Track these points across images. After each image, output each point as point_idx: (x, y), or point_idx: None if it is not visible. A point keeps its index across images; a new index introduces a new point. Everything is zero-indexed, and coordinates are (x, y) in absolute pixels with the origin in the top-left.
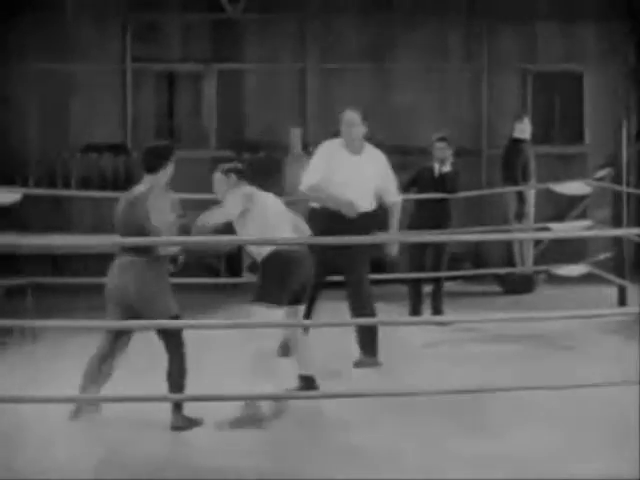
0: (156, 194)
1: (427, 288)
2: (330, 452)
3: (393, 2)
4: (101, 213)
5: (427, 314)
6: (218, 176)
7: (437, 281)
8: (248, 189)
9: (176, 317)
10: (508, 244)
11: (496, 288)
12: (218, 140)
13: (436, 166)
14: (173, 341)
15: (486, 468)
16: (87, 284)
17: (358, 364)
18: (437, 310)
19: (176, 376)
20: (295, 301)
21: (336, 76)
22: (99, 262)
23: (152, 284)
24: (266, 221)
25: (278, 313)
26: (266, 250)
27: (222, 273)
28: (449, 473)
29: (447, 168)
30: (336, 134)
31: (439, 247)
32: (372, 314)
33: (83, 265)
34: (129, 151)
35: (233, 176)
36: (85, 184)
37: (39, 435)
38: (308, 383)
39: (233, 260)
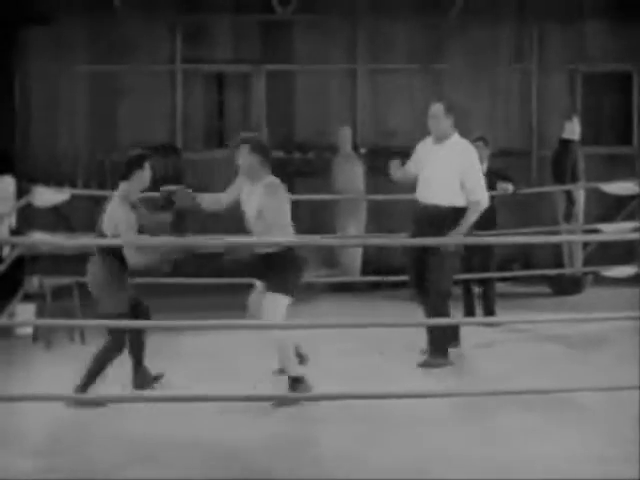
0: (125, 200)
1: (477, 289)
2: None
3: (443, 3)
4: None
5: (479, 315)
6: (245, 150)
7: (487, 282)
8: (272, 179)
9: (119, 315)
10: (557, 245)
11: (546, 289)
12: (268, 141)
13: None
14: (111, 338)
15: (486, 469)
16: (135, 284)
17: (424, 364)
18: (489, 311)
19: (93, 365)
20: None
21: (386, 77)
22: None
23: (103, 280)
24: (285, 214)
25: (287, 302)
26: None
27: None
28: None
29: (484, 169)
30: (388, 134)
31: (487, 248)
32: (444, 314)
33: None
34: (179, 152)
35: (259, 156)
36: None
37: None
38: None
39: None
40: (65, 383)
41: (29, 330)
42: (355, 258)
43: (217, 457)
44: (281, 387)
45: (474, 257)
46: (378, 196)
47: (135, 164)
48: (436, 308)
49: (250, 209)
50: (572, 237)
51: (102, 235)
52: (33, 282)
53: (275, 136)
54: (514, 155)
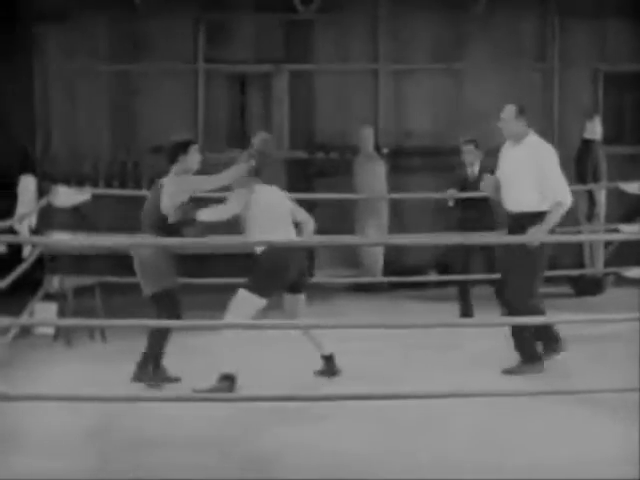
0: (172, 181)
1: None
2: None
3: (465, 2)
4: None
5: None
6: (244, 156)
7: (463, 283)
8: (255, 186)
9: (166, 291)
10: (579, 245)
11: (568, 289)
12: (290, 141)
13: (468, 170)
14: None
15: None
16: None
17: (511, 372)
18: (465, 311)
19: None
20: (293, 290)
21: (408, 76)
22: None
23: (151, 258)
24: (267, 218)
25: (261, 303)
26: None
27: None
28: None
29: (476, 171)
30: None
31: (489, 250)
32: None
33: None
34: (201, 152)
35: (252, 162)
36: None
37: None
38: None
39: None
40: (84, 381)
41: (50, 330)
42: (377, 258)
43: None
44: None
45: (471, 259)
46: (400, 195)
47: (180, 149)
48: (520, 312)
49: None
50: (592, 236)
51: (156, 217)
52: (54, 282)
53: (297, 136)
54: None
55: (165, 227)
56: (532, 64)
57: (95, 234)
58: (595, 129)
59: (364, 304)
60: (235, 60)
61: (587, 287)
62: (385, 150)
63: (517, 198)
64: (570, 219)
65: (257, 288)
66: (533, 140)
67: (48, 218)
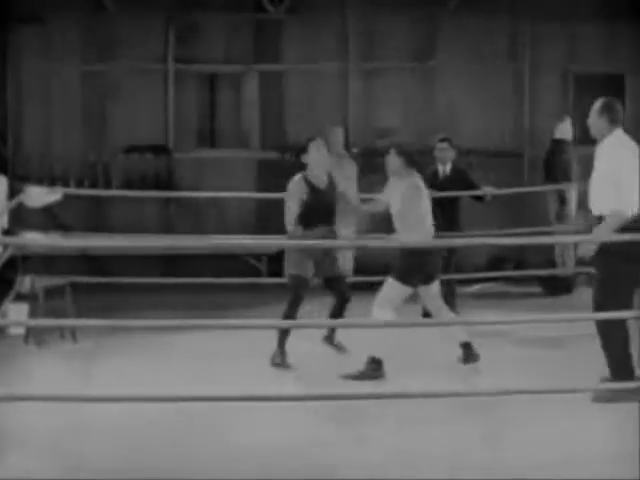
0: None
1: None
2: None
3: (436, 1)
4: (142, 214)
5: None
6: (392, 154)
7: (448, 284)
8: (415, 180)
9: (301, 278)
10: (549, 245)
11: (537, 289)
12: (260, 141)
13: (440, 168)
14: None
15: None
16: (126, 284)
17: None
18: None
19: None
20: (427, 281)
21: (378, 76)
22: (139, 262)
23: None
24: (422, 210)
25: (407, 291)
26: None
27: (264, 274)
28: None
29: (448, 169)
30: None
31: (449, 250)
32: (612, 338)
33: (123, 265)
34: (170, 152)
35: (402, 159)
36: (126, 185)
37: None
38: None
39: (275, 261)
40: (56, 381)
41: (21, 330)
42: (347, 258)
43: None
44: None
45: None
46: (371, 195)
47: (300, 151)
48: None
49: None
50: (564, 238)
51: None
52: (25, 282)
53: (267, 136)
54: (506, 155)
55: None
56: (503, 64)
57: (67, 234)
58: (566, 130)
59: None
60: (205, 60)
61: (558, 287)
62: (355, 150)
63: (593, 203)
64: (541, 219)
65: (402, 277)
66: (610, 141)
67: (20, 218)
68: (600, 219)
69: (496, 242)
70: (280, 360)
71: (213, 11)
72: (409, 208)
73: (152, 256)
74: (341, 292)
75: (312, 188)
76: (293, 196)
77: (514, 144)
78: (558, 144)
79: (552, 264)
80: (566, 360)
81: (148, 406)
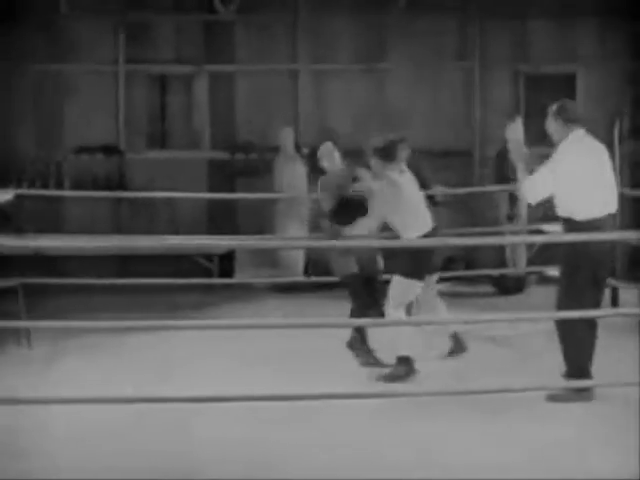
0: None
1: None
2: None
3: (386, 2)
4: (94, 214)
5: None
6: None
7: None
8: (392, 176)
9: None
10: (500, 245)
11: (489, 289)
12: (211, 141)
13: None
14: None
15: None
16: (80, 285)
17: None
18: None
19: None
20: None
21: (328, 77)
22: (92, 263)
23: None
24: (411, 206)
25: (418, 285)
26: (414, 233)
27: (214, 274)
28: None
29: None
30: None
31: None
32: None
33: (77, 266)
34: (122, 153)
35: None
36: (78, 185)
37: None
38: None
39: (226, 261)
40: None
41: None
42: (297, 258)
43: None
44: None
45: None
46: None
47: (313, 155)
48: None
49: None
50: (515, 239)
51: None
52: None
53: (218, 137)
54: (456, 155)
55: None
56: (453, 64)
57: (18, 235)
58: (517, 130)
59: (284, 304)
60: (156, 61)
61: (509, 286)
62: (305, 150)
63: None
64: (492, 219)
65: (408, 272)
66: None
67: None
68: (567, 220)
69: (460, 243)
70: (368, 360)
71: (163, 12)
72: (393, 207)
73: (105, 257)
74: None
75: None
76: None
77: (464, 144)
78: (507, 144)
79: (503, 264)
80: (517, 359)
81: (107, 407)
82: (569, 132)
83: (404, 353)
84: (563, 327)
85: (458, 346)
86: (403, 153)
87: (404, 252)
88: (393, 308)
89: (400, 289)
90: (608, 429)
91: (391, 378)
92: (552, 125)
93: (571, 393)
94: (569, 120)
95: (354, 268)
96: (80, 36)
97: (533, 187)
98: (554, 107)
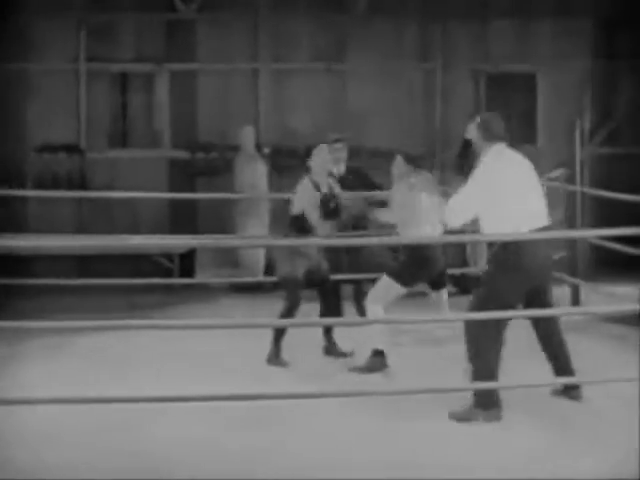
0: None
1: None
2: None
3: (346, 2)
4: (55, 214)
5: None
6: (398, 159)
7: (357, 283)
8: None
9: (294, 280)
10: (461, 244)
11: (450, 288)
12: (171, 141)
13: (334, 167)
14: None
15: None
16: (41, 285)
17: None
18: (361, 312)
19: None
20: (435, 287)
21: (288, 76)
22: (52, 263)
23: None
24: (418, 212)
25: (401, 291)
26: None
27: (175, 274)
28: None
29: (342, 170)
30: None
31: (357, 250)
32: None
33: (38, 267)
34: (83, 151)
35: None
36: (40, 185)
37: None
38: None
39: (187, 261)
40: None
41: None
42: (258, 258)
43: None
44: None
45: (344, 257)
46: (281, 194)
47: (306, 155)
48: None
49: None
50: (475, 237)
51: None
52: None
53: (178, 136)
54: (417, 155)
55: None
56: (414, 65)
57: None
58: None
59: (246, 304)
60: (117, 59)
61: (471, 285)
62: (266, 149)
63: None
64: None
65: (401, 277)
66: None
67: None
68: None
69: (421, 241)
70: (275, 359)
71: (124, 10)
72: (407, 210)
73: (66, 257)
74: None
75: (318, 190)
76: (309, 200)
77: (426, 144)
78: (469, 144)
79: (464, 263)
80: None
81: (66, 407)
82: (489, 147)
83: (379, 347)
84: (471, 331)
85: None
86: (343, 154)
87: (402, 255)
88: (372, 303)
89: (384, 288)
90: (607, 427)
91: (366, 370)
92: (475, 139)
93: (472, 412)
94: (491, 136)
95: (299, 273)
96: (41, 35)
97: (455, 209)
98: (476, 122)
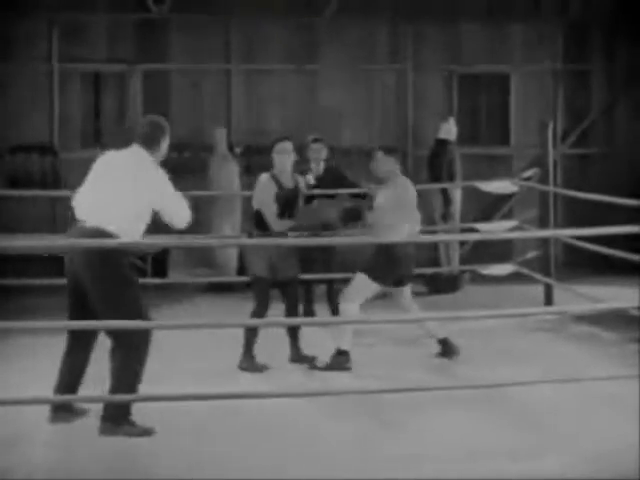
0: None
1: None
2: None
3: (317, 3)
4: (29, 213)
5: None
6: (380, 155)
7: (330, 282)
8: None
9: (260, 279)
10: (434, 244)
11: (422, 288)
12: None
13: (312, 166)
14: (255, 299)
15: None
16: (15, 286)
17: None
18: (335, 311)
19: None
20: (399, 284)
21: (260, 77)
22: (27, 263)
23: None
24: (405, 210)
25: (376, 288)
26: (387, 238)
27: (148, 274)
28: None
29: (321, 169)
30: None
31: (330, 250)
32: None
33: (11, 266)
34: (56, 152)
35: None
36: (13, 184)
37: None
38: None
39: (159, 261)
40: None
41: None
42: (231, 258)
43: None
44: None
45: (317, 257)
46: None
47: (269, 150)
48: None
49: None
50: (448, 236)
51: None
52: None
53: None
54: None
55: None
56: (385, 66)
57: None
58: (450, 130)
59: (217, 303)
60: (89, 60)
61: (443, 285)
62: (238, 150)
63: None
64: (426, 219)
65: (372, 273)
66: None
67: None
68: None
69: (395, 241)
70: (248, 365)
71: (97, 11)
72: (392, 210)
73: (41, 257)
74: (294, 295)
75: (280, 187)
76: (268, 195)
77: (398, 144)
78: (442, 144)
79: (436, 263)
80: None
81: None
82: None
83: (345, 347)
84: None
85: (448, 348)
86: (318, 153)
87: (376, 254)
88: (347, 301)
89: (359, 287)
90: (607, 428)
91: (329, 367)
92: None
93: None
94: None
95: (263, 271)
96: (13, 35)
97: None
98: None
